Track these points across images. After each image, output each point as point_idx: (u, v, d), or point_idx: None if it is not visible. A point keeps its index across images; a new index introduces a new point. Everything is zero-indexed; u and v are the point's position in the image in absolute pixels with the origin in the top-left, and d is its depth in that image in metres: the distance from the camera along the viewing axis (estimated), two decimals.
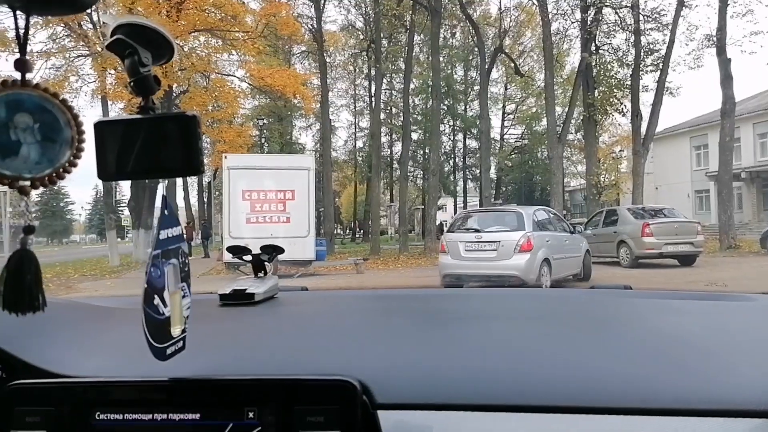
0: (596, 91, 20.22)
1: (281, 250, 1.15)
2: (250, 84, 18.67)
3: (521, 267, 8.03)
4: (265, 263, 1.13)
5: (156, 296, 0.60)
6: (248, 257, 1.13)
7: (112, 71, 14.53)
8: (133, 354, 0.69)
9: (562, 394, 0.63)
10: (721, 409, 0.59)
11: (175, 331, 0.63)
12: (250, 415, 0.63)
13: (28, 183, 0.50)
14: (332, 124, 29.83)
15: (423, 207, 26.44)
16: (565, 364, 0.70)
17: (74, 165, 0.52)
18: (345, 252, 20.38)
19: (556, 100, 19.80)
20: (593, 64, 20.17)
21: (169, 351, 0.62)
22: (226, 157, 12.41)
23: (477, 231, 8.86)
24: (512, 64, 25.59)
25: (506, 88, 37.69)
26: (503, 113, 38.34)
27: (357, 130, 38.69)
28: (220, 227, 18.38)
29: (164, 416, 0.64)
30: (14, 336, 0.77)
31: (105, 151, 0.53)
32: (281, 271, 12.16)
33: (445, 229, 11.49)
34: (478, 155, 32.46)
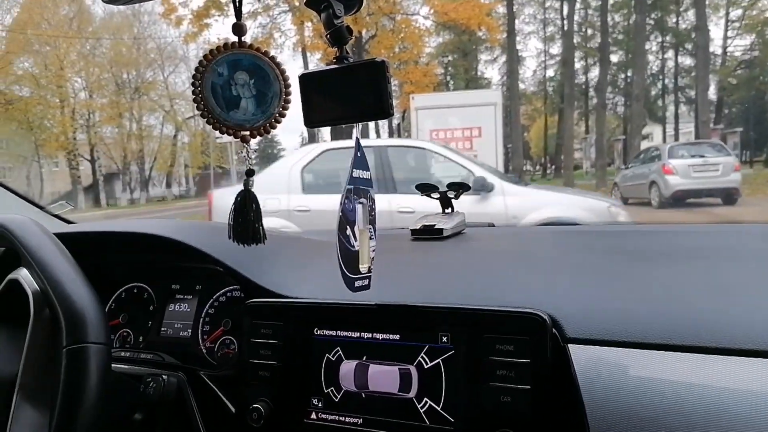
0: None
1: (467, 187, 1.18)
2: (434, 20, 18.43)
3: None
4: (452, 200, 1.18)
5: (348, 227, 0.64)
6: (436, 194, 1.18)
7: (309, 24, 15.52)
8: (337, 280, 0.77)
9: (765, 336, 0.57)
10: None
11: (363, 267, 0.67)
12: (444, 339, 0.68)
13: (247, 132, 0.58)
14: (519, 54, 28.21)
15: (624, 137, 23.93)
16: (762, 304, 0.65)
17: (283, 115, 0.59)
18: None
19: None
20: None
21: (357, 284, 0.67)
22: (413, 98, 12.57)
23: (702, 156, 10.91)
24: None
25: None
26: (726, 21, 32.03)
27: (547, 57, 36.07)
28: None
29: (369, 335, 0.72)
30: (247, 263, 0.90)
31: (309, 101, 0.58)
32: None
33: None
34: (693, 74, 28.00)
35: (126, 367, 0.90)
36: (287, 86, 0.59)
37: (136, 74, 35.40)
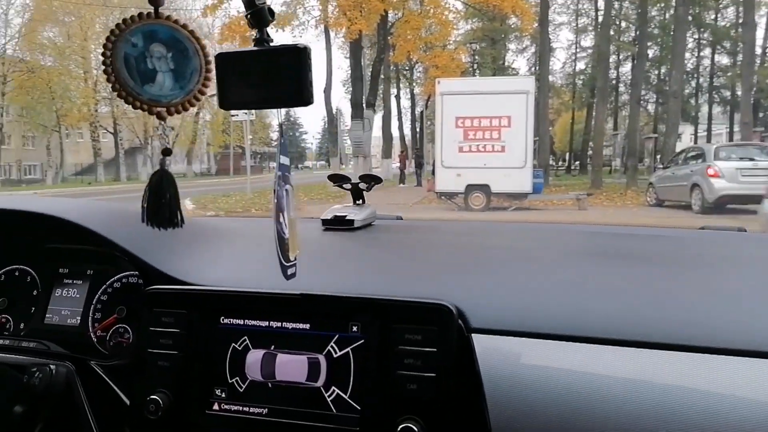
0: None
1: (379, 180, 1.18)
2: (464, 2, 17.69)
3: None
4: (363, 192, 1.17)
5: (281, 215, 0.63)
6: (348, 185, 1.17)
7: (333, 1, 14.94)
8: (249, 268, 0.80)
9: (658, 330, 0.62)
10: None
11: (292, 255, 0.65)
12: (354, 328, 0.69)
13: (163, 109, 0.55)
14: (550, 44, 27.22)
15: (656, 136, 22.97)
16: (664, 301, 0.70)
17: (203, 93, 0.56)
18: (561, 185, 18.83)
19: None
20: None
21: (289, 272, 0.66)
22: (439, 82, 11.96)
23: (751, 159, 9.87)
24: None
25: None
26: None
27: (578, 49, 34.96)
28: (431, 156, 18.48)
29: (279, 324, 0.72)
30: (150, 248, 0.86)
31: (225, 82, 0.56)
32: (494, 203, 11.63)
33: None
34: (729, 74, 26.75)
35: (5, 356, 0.85)
36: (208, 62, 0.56)
37: None
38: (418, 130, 35.62)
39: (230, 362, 0.72)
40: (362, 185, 1.18)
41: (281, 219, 0.63)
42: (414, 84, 36.92)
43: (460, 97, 11.48)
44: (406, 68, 34.51)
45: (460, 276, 0.82)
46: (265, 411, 0.70)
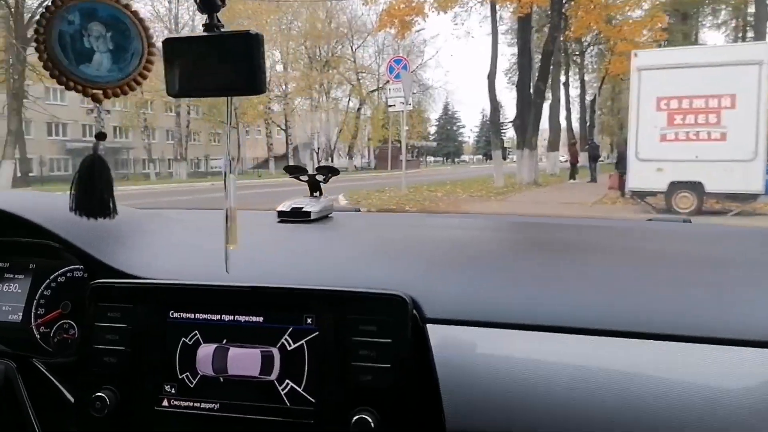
0: None
1: (336, 172, 1.13)
2: None
3: None
4: (321, 183, 1.14)
5: (227, 210, 0.63)
6: (304, 177, 1.14)
7: None
8: (200, 260, 0.78)
9: (607, 318, 0.64)
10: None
11: (233, 247, 0.64)
12: (309, 321, 0.68)
13: (100, 91, 0.53)
14: None
15: None
16: (611, 289, 0.72)
17: (145, 76, 0.54)
18: None
19: None
20: None
21: (230, 263, 0.65)
22: (636, 55, 9.67)
23: None
24: None
25: None
26: None
27: None
28: (604, 148, 15.77)
29: (231, 317, 0.70)
30: (95, 240, 0.84)
31: (173, 68, 0.55)
32: (707, 205, 9.13)
33: None
34: None
35: None
36: (150, 45, 0.54)
37: (327, 48, 36.74)
38: (587, 119, 32.38)
39: (180, 357, 0.70)
40: (319, 177, 1.12)
41: (225, 208, 0.62)
42: (585, 69, 33.57)
43: (664, 72, 9.11)
44: (576, 53, 31.41)
45: (416, 267, 0.81)
46: (216, 406, 0.68)
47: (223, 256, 0.63)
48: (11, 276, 0.92)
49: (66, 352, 0.84)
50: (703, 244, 0.99)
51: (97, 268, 0.80)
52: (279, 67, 35.32)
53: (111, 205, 0.56)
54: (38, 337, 0.87)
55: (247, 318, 0.70)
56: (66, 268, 0.89)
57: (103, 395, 0.69)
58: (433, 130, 64.25)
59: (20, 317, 0.88)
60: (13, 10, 19.12)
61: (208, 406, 0.68)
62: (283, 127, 35.32)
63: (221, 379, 0.68)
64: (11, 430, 0.79)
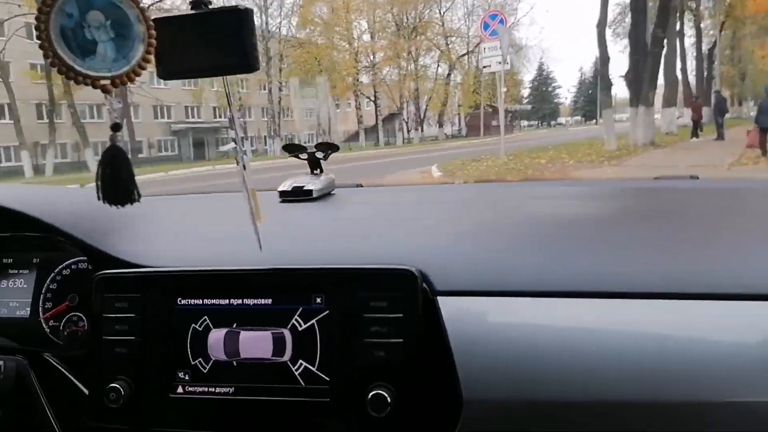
0: None
1: (336, 148, 1.10)
2: None
3: None
4: (321, 160, 1.11)
5: (245, 189, 0.64)
6: (304, 155, 1.11)
7: None
8: (203, 246, 0.76)
9: (614, 280, 0.64)
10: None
11: (259, 224, 0.66)
12: (318, 300, 0.68)
13: (108, 82, 0.52)
14: None
15: None
16: (621, 253, 0.71)
17: (149, 60, 0.53)
18: None
19: None
20: None
21: (262, 243, 0.67)
22: None
23: None
24: None
25: None
26: None
27: None
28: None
29: (239, 301, 0.70)
30: (96, 231, 0.84)
31: (162, 49, 0.53)
32: None
33: None
34: None
35: None
36: (150, 27, 0.52)
37: (414, 14, 35.67)
38: (705, 70, 28.93)
39: (191, 343, 0.70)
40: (319, 154, 1.09)
41: (245, 192, 0.63)
42: (702, 14, 29.93)
43: None
44: None
45: (423, 239, 0.80)
46: (231, 390, 0.68)
47: (228, 240, 0.62)
48: (15, 272, 0.91)
49: (77, 344, 0.83)
50: (715, 200, 0.99)
51: (102, 259, 0.80)
52: (366, 37, 34.85)
53: (135, 191, 0.57)
54: (48, 331, 0.86)
55: (255, 301, 0.70)
56: (70, 261, 0.88)
57: (117, 386, 0.68)
58: (526, 92, 61.06)
59: (28, 312, 0.88)
60: None
61: (223, 390, 0.68)
62: (372, 99, 35.00)
63: (234, 363, 0.68)
64: (28, 427, 0.80)
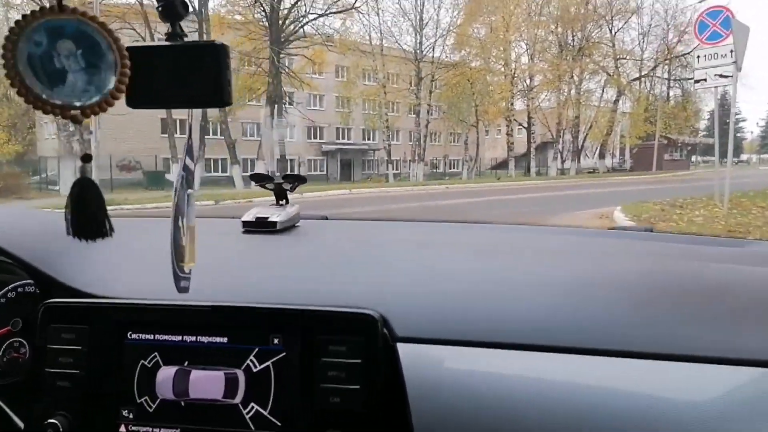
0: None
1: (303, 180, 1.12)
2: None
3: None
4: (287, 191, 1.11)
5: (180, 218, 0.60)
6: (270, 185, 1.11)
7: None
8: (160, 277, 0.77)
9: (574, 335, 0.64)
10: (725, 357, 0.60)
11: (187, 267, 0.61)
12: (275, 341, 0.66)
13: (78, 112, 0.51)
14: None
15: None
16: (576, 306, 0.71)
17: (121, 91, 0.51)
18: None
19: None
20: None
21: (182, 284, 0.61)
22: None
23: None
24: None
25: None
26: None
27: None
28: None
29: (193, 338, 0.68)
30: (47, 256, 0.81)
31: (135, 78, 0.52)
32: None
33: None
34: None
35: None
36: (123, 57, 0.51)
37: (581, 33, 32.36)
38: None
39: (138, 380, 0.68)
40: (286, 185, 1.10)
41: (180, 224, 0.59)
42: None
43: None
44: None
45: (385, 279, 0.79)
46: (177, 431, 0.67)
47: (199, 268, 0.60)
48: None
49: (15, 372, 0.80)
50: (666, 259, 0.96)
51: (50, 284, 0.77)
52: (524, 59, 32.25)
53: (107, 225, 0.55)
54: None
55: (210, 339, 0.67)
56: (17, 283, 0.86)
57: (56, 422, 0.66)
58: (702, 125, 53.18)
59: None
60: (268, 14, 20.02)
61: (167, 431, 0.66)
62: (525, 125, 32.17)
63: (182, 403, 0.66)
64: None
